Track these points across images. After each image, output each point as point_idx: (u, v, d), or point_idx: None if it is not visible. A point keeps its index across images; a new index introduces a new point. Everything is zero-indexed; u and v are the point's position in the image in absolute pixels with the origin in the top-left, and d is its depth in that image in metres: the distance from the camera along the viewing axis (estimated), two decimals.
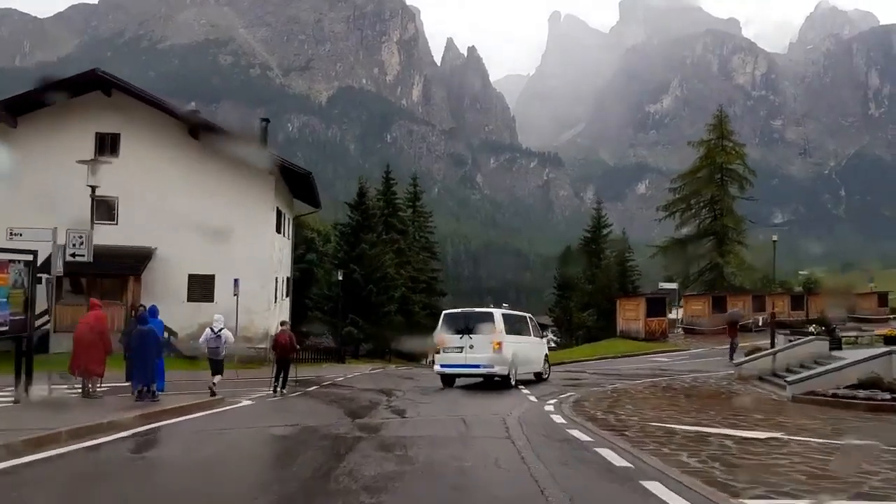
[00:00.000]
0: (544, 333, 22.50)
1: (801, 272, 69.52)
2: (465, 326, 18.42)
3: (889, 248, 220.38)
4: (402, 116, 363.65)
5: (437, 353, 19.08)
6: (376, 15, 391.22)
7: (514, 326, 19.73)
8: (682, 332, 39.68)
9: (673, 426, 10.75)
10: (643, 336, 36.00)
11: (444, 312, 19.95)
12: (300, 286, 48.60)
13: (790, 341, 22.90)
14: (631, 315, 38.23)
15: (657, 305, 37.63)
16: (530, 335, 21.00)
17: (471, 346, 18.09)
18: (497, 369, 18.10)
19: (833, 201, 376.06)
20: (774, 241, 29.72)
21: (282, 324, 20.85)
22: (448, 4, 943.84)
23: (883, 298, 50.87)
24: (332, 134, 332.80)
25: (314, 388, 20.36)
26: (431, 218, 65.68)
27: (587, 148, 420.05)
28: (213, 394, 15.56)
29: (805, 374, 17.57)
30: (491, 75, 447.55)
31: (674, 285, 40.18)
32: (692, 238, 56.50)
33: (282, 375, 18.46)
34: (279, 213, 31.71)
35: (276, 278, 31.51)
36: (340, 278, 42.47)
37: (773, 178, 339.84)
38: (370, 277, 47.57)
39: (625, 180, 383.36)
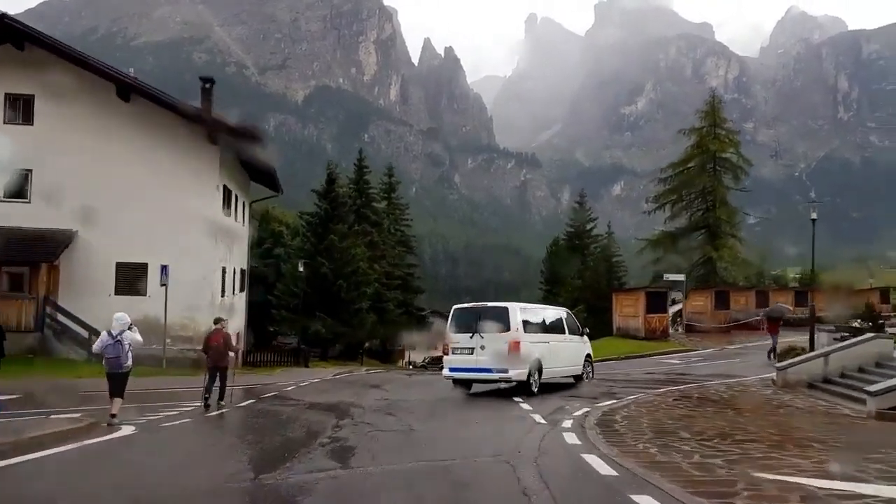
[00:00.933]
0: (585, 330, 17.90)
1: (792, 270, 65.90)
2: (476, 323, 15.60)
3: (856, 249, 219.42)
4: (380, 116, 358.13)
5: (446, 353, 16.32)
6: (353, 14, 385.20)
7: (540, 323, 16.79)
8: (681, 330, 35.36)
9: (792, 479, 6.36)
10: (643, 334, 31.63)
11: (453, 307, 16.91)
12: (267, 283, 43.97)
13: (837, 340, 18.70)
14: (629, 311, 33.87)
15: (658, 300, 33.23)
16: (563, 332, 17.53)
17: (482, 347, 15.33)
18: (513, 374, 15.22)
19: (803, 203, 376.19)
20: (813, 221, 25.23)
21: (216, 322, 16.18)
22: (425, 5, 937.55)
23: (885, 295, 47.14)
24: (308, 133, 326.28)
25: (250, 402, 15.75)
26: (408, 210, 61.20)
27: (564, 149, 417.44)
28: (110, 424, 11.08)
29: (891, 382, 13.29)
30: (468, 76, 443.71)
31: (681, 276, 35.70)
32: (684, 231, 52.50)
33: (217, 385, 14.51)
34: (228, 193, 27.02)
35: (225, 268, 26.80)
36: (301, 269, 37.79)
37: (745, 179, 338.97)
38: (340, 272, 43.00)
39: (601, 181, 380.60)
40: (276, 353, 35.97)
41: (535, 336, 15.80)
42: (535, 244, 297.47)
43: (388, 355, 59.86)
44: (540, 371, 15.68)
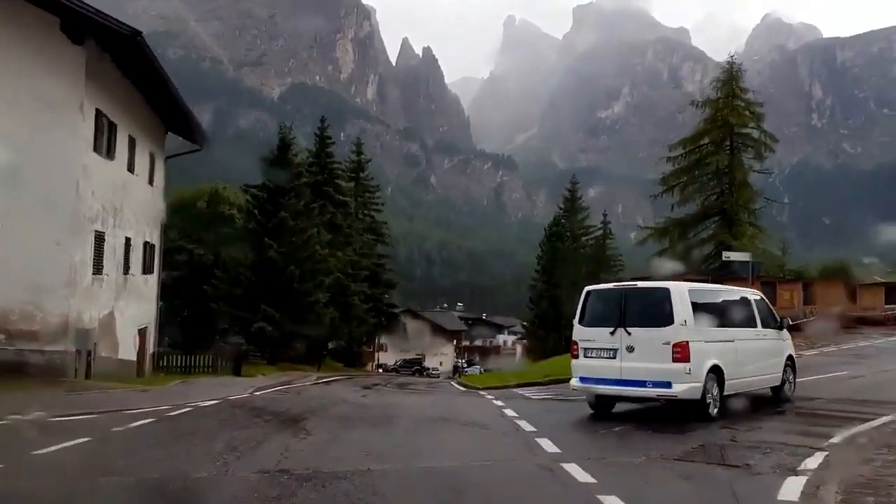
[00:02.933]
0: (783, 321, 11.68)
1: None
2: (620, 313, 10.53)
3: (827, 254, 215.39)
4: (357, 115, 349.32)
5: (575, 355, 11.13)
6: (331, 12, 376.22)
7: (718, 311, 11.14)
8: None
9: None
10: None
11: (587, 289, 11.54)
12: (207, 273, 35.68)
13: None
14: None
15: None
16: (754, 324, 11.80)
17: (630, 349, 10.30)
18: (679, 389, 9.89)
19: (777, 207, 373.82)
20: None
21: None
22: (403, 5, 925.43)
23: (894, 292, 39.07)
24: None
25: None
26: (378, 194, 52.85)
27: (540, 151, 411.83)
28: None
29: None
30: (446, 77, 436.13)
31: (745, 256, 27.44)
32: (695, 218, 44.81)
33: None
34: (112, 128, 18.55)
35: (103, 234, 18.34)
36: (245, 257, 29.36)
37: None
38: (292, 256, 34.67)
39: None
40: (207, 356, 27.46)
41: (711, 331, 10.56)
42: (512, 246, 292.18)
43: (354, 357, 51.54)
44: (721, 384, 10.38)
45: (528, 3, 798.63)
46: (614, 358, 10.43)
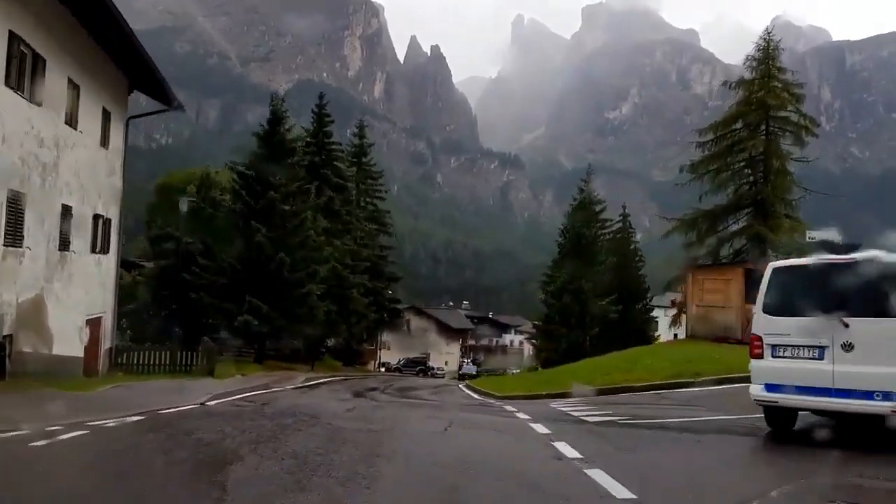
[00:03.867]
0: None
1: None
2: (833, 298, 7.29)
3: None
4: (363, 112, 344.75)
5: (757, 354, 7.92)
6: (339, 9, 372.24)
7: None
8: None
9: None
10: (740, 334, 19.19)
11: (772, 266, 8.27)
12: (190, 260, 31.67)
13: None
14: (715, 298, 21.81)
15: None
16: None
17: (847, 346, 7.13)
18: None
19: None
20: None
21: None
22: (411, 4, 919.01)
23: None
24: (289, 126, 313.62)
25: None
26: (382, 181, 48.71)
27: (547, 152, 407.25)
28: None
29: None
30: (454, 76, 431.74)
31: (835, 234, 23.30)
32: (727, 209, 40.48)
33: None
34: (39, 64, 14.47)
35: (22, 195, 14.26)
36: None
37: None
38: (282, 242, 30.62)
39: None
40: (179, 352, 23.27)
41: None
42: (518, 245, 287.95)
43: (354, 356, 47.50)
44: None
45: (537, 2, 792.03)
46: (821, 359, 7.40)
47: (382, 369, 57.52)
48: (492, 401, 16.07)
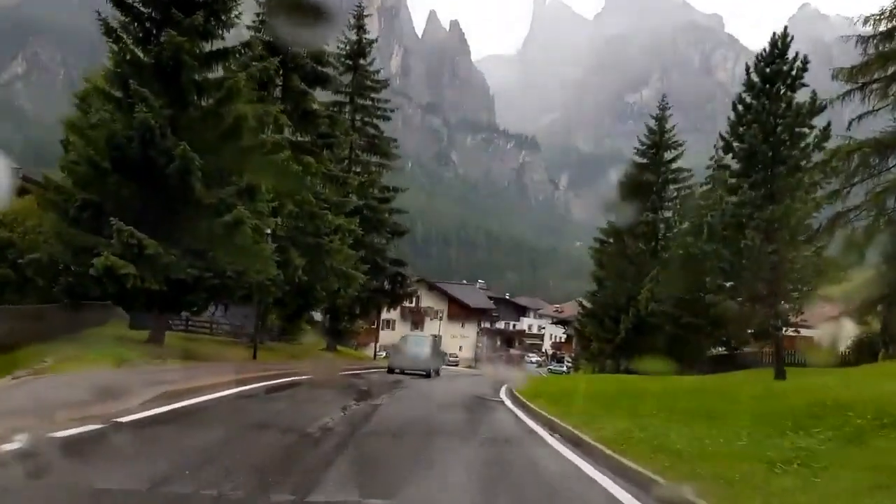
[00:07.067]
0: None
1: None
2: None
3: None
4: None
5: None
6: None
7: None
8: None
9: None
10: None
11: None
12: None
13: None
14: None
15: None
16: None
17: None
18: None
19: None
20: None
21: None
22: None
23: None
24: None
25: None
26: (388, 102, 35.60)
27: (564, 134, 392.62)
28: None
29: None
30: (473, 54, 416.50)
31: None
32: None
33: None
34: None
35: None
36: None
37: None
38: (190, 129, 17.73)
39: (599, 169, 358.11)
40: None
41: None
42: (533, 228, 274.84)
43: (339, 335, 34.82)
44: None
45: None
46: None
47: (383, 353, 44.76)
48: None
